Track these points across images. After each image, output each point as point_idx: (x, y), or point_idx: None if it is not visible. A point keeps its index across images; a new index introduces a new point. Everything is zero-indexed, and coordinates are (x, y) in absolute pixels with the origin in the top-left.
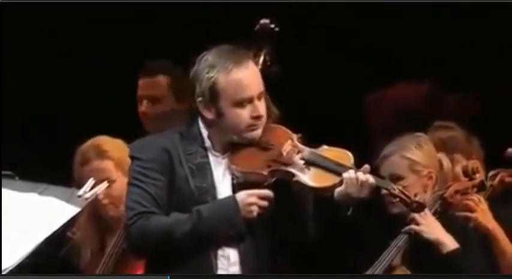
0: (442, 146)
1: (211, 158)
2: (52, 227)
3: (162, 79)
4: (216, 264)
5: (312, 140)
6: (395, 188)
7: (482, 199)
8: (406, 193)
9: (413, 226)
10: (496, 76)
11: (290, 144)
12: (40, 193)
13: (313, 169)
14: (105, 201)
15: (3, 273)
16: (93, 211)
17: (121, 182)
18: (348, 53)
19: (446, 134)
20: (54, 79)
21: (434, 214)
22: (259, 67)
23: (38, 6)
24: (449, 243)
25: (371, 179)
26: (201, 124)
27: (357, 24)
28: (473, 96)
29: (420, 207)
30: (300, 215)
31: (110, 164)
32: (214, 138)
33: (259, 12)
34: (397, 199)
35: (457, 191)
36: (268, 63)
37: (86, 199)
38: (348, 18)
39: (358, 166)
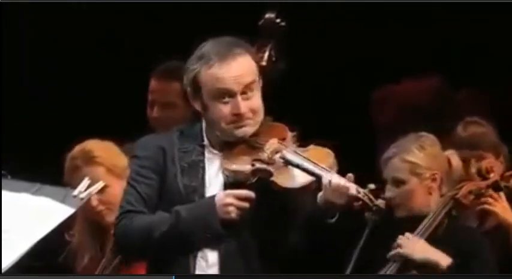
0: (472, 143)
1: (207, 156)
2: (46, 228)
3: (176, 84)
4: (194, 266)
5: (316, 138)
6: (360, 191)
7: (503, 196)
8: (371, 196)
9: (398, 250)
10: (506, 71)
11: (275, 142)
12: (33, 193)
13: (289, 169)
14: (100, 207)
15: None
16: (89, 217)
17: (114, 187)
18: (354, 48)
19: (477, 130)
20: (54, 79)
21: (447, 216)
22: (264, 63)
23: (39, 6)
24: (442, 260)
25: (343, 181)
26: (203, 122)
27: (364, 20)
28: (483, 92)
29: (379, 211)
30: (282, 218)
31: (101, 170)
32: (210, 135)
33: (265, 6)
34: (360, 202)
35: (470, 192)
36: (274, 59)
37: (81, 199)
38: (354, 13)
39: (364, 164)
